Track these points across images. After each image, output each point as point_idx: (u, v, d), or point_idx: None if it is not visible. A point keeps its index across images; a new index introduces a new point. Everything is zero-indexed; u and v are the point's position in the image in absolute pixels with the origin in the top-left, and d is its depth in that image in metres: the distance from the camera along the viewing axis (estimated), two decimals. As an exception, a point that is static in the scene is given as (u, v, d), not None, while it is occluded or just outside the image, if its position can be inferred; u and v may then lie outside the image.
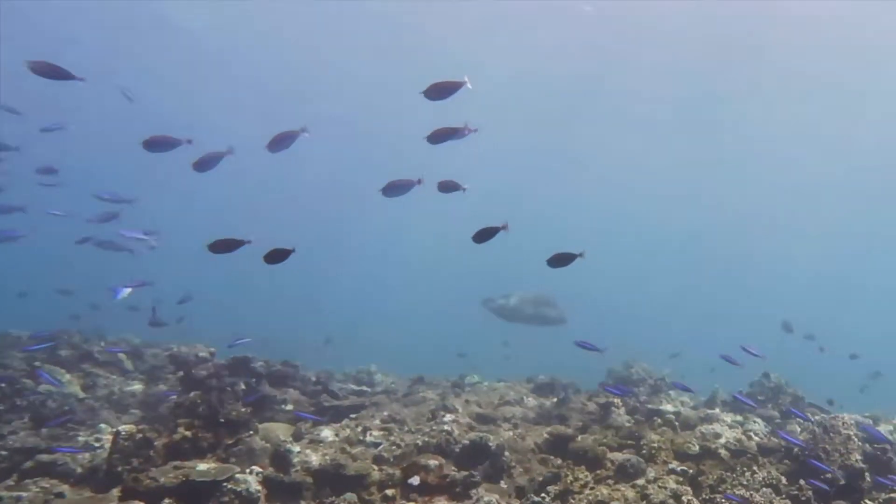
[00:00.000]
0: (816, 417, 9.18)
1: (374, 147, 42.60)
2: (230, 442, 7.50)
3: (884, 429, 9.98)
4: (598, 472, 7.91)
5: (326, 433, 8.36)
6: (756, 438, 9.11)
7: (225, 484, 6.55)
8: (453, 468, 7.59)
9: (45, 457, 7.02)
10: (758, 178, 47.16)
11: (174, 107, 37.05)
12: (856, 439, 8.16)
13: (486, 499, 7.12)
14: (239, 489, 6.56)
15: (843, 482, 7.77)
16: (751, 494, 7.37)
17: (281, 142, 7.21)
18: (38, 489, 6.49)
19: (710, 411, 10.54)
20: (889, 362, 18.44)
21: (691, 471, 8.01)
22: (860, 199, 45.72)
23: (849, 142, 41.13)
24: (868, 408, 11.37)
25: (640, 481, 7.70)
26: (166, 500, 6.23)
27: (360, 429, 8.53)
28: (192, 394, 7.87)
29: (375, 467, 7.54)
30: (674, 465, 8.12)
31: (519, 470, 7.96)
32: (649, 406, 10.19)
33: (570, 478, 7.55)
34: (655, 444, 8.36)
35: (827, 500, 7.60)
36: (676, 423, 9.53)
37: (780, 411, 10.57)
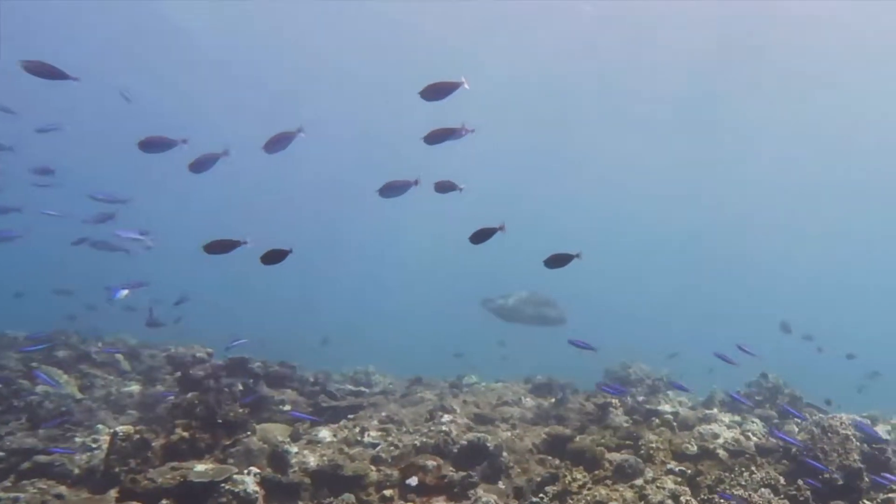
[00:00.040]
0: (814, 417, 9.17)
1: (372, 147, 42.61)
2: (228, 443, 7.49)
3: (881, 429, 9.98)
4: (597, 472, 7.90)
5: (324, 434, 8.35)
6: (754, 439, 9.10)
7: (223, 485, 6.54)
8: (451, 469, 7.58)
9: (42, 458, 7.01)
10: (757, 178, 47.17)
11: (172, 106, 37.03)
12: (854, 439, 8.15)
13: (484, 499, 7.12)
14: (237, 490, 6.55)
15: (841, 482, 7.76)
16: (749, 495, 7.36)
17: (277, 143, 7.19)
18: (35, 490, 6.48)
19: (708, 411, 10.54)
20: (888, 362, 18.42)
21: (689, 471, 8.00)
22: (860, 199, 45.73)
23: (849, 142, 41.13)
24: (866, 408, 11.36)
25: (639, 482, 7.70)
26: (164, 501, 6.22)
27: (357, 429, 8.52)
28: (189, 394, 7.86)
29: (373, 468, 7.53)
30: (672, 465, 8.11)
31: (517, 470, 7.95)
32: (647, 406, 10.19)
33: (569, 478, 7.54)
34: (654, 445, 8.35)
35: (825, 500, 7.60)
36: (675, 424, 9.52)
37: (777, 411, 10.56)
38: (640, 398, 10.76)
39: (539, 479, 7.68)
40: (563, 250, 6.76)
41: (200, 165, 7.39)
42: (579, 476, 7.60)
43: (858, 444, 8.19)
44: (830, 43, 34.11)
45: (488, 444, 7.89)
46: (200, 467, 6.72)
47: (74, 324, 13.00)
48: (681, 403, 10.84)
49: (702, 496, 7.46)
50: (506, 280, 19.17)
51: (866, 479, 7.89)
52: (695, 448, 8.48)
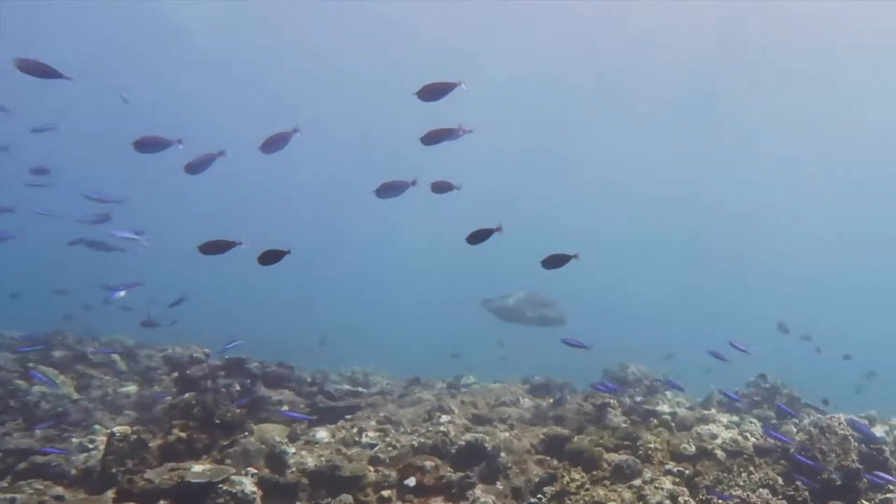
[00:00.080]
0: (812, 417, 9.16)
1: (371, 147, 42.61)
2: (225, 443, 7.48)
3: (879, 429, 9.96)
4: (595, 472, 7.89)
5: (322, 434, 8.34)
6: (753, 439, 9.09)
7: (220, 485, 6.53)
8: (449, 469, 7.57)
9: (38, 458, 7.01)
10: (757, 177, 47.19)
11: (171, 106, 37.01)
12: (852, 440, 8.14)
13: (482, 500, 7.12)
14: (234, 490, 6.54)
15: (839, 482, 7.76)
16: (747, 495, 7.35)
17: (274, 143, 7.18)
18: (31, 491, 6.47)
19: (706, 412, 10.52)
20: (888, 362, 18.41)
21: (688, 471, 8.00)
22: (860, 200, 45.73)
23: (849, 142, 41.14)
24: (864, 408, 11.35)
25: (637, 482, 7.69)
26: (161, 502, 6.22)
27: (355, 430, 8.50)
28: (187, 395, 7.86)
29: (371, 468, 7.52)
30: (670, 465, 8.10)
31: (515, 471, 7.94)
32: (645, 407, 10.18)
33: (567, 479, 7.54)
34: (652, 445, 8.34)
35: (823, 500, 7.59)
36: (673, 424, 9.51)
37: (775, 411, 10.55)
38: (639, 398, 10.75)
39: (537, 479, 7.67)
40: (561, 250, 6.76)
41: (196, 166, 7.37)
42: (577, 476, 7.60)
43: (857, 444, 8.17)
44: (830, 43, 34.13)
45: (486, 445, 7.88)
46: (198, 468, 6.71)
47: (72, 324, 12.99)
48: (679, 404, 10.83)
49: (700, 497, 7.45)
50: (505, 280, 19.19)
51: (864, 479, 7.89)
52: (693, 448, 8.47)
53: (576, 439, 8.52)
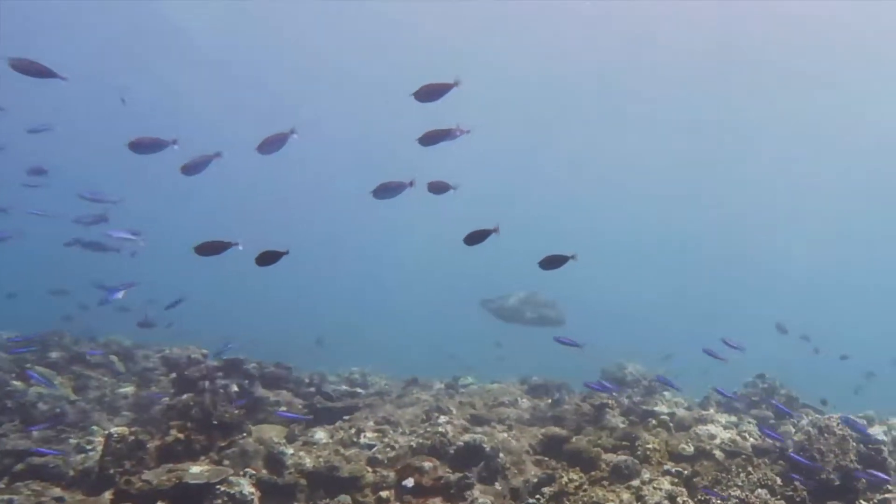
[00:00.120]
0: (811, 417, 9.16)
1: (370, 148, 42.61)
2: (223, 444, 7.48)
3: (878, 429, 9.95)
4: (593, 473, 7.88)
5: (320, 435, 8.33)
6: (751, 439, 9.09)
7: (218, 486, 6.53)
8: (448, 470, 7.57)
9: (36, 459, 7.00)
10: (757, 177, 47.19)
11: (170, 106, 37.02)
12: (851, 440, 8.13)
13: (480, 500, 7.11)
14: (232, 491, 6.53)
15: (837, 482, 7.76)
16: (746, 495, 7.35)
17: (271, 144, 7.18)
18: (29, 492, 6.46)
19: (704, 412, 10.51)
20: (886, 363, 18.41)
21: (686, 472, 7.99)
22: (859, 199, 45.71)
23: (849, 142, 41.13)
24: (862, 409, 11.34)
25: (636, 482, 7.68)
26: (159, 503, 6.21)
27: (353, 430, 8.49)
28: (184, 396, 7.85)
29: (369, 469, 7.52)
30: (669, 466, 8.09)
31: (514, 471, 7.94)
32: (644, 407, 10.17)
33: (565, 479, 7.53)
34: (650, 446, 8.34)
35: (822, 500, 7.59)
36: (671, 425, 9.51)
37: (773, 411, 10.54)
38: (637, 399, 10.74)
39: (536, 480, 7.67)
40: (560, 251, 6.76)
41: (193, 168, 7.37)
42: (576, 477, 7.59)
43: (855, 444, 8.17)
44: (830, 43, 34.14)
45: (485, 446, 7.87)
46: (196, 469, 6.70)
47: (70, 324, 12.98)
48: (677, 404, 10.81)
49: (699, 497, 7.44)
50: (504, 281, 19.19)
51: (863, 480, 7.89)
52: (691, 449, 8.47)
53: (574, 440, 8.52)
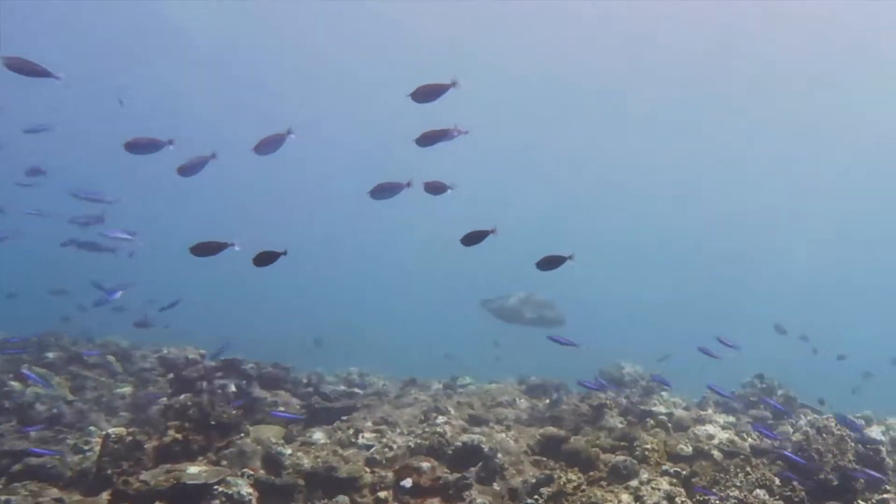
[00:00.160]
0: (808, 417, 9.16)
1: (370, 148, 42.58)
2: (221, 444, 7.47)
3: (876, 430, 9.95)
4: (592, 473, 7.88)
5: (318, 435, 8.33)
6: (749, 439, 9.09)
7: (216, 487, 6.52)
8: (446, 470, 7.56)
9: (33, 460, 6.99)
10: (757, 177, 47.19)
11: (170, 106, 37.02)
12: (849, 440, 8.13)
13: (479, 501, 7.10)
14: (230, 492, 6.52)
15: (836, 482, 7.76)
16: (744, 495, 7.34)
17: (268, 145, 7.18)
18: (26, 492, 6.46)
19: (702, 412, 10.52)
20: (885, 363, 18.41)
21: (685, 472, 7.99)
22: (859, 200, 45.71)
23: (849, 142, 41.11)
24: (860, 409, 11.34)
25: (634, 483, 7.68)
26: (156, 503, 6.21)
27: (351, 431, 8.49)
28: (182, 396, 7.85)
29: (368, 469, 7.51)
30: (667, 466, 8.09)
31: (512, 472, 7.94)
32: (642, 407, 10.17)
33: (564, 480, 7.51)
34: (648, 446, 8.34)
35: (820, 501, 7.59)
36: (669, 425, 9.51)
37: (771, 411, 10.54)
38: (635, 399, 10.75)
39: (534, 480, 7.65)
40: (560, 251, 6.76)
41: (189, 169, 7.37)
42: (574, 477, 7.57)
43: (853, 444, 8.17)
44: (830, 43, 34.14)
45: (483, 446, 7.87)
46: (193, 469, 6.69)
47: (68, 325, 12.97)
48: (675, 405, 10.82)
49: (697, 497, 7.44)
50: (503, 281, 19.19)
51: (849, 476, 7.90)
52: (690, 449, 8.47)
53: (572, 440, 8.52)
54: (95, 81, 29.10)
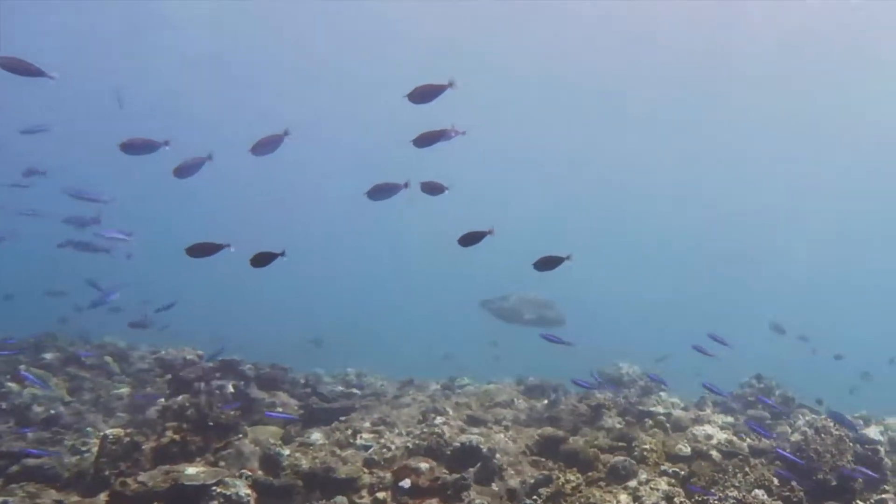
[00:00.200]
0: (807, 418, 9.16)
1: (369, 148, 42.55)
2: (219, 445, 7.47)
3: (874, 430, 9.95)
4: (590, 474, 7.88)
5: (316, 436, 8.33)
6: (748, 440, 9.09)
7: (214, 488, 6.51)
8: (444, 471, 7.54)
9: (31, 461, 6.98)
10: (757, 178, 47.18)
11: (170, 107, 37.00)
12: (847, 440, 8.13)
13: (477, 502, 7.09)
14: (228, 493, 6.52)
15: (835, 483, 7.76)
16: (743, 496, 7.33)
17: (265, 146, 7.16)
18: (23, 494, 6.45)
19: (701, 412, 10.52)
20: (884, 363, 18.39)
21: (683, 472, 7.98)
22: (859, 199, 45.69)
23: (849, 142, 41.09)
24: (858, 409, 11.34)
25: (632, 483, 7.68)
26: (154, 504, 6.20)
27: (350, 431, 8.49)
28: (180, 397, 7.84)
29: (366, 470, 7.51)
30: (665, 466, 8.09)
31: (510, 472, 7.94)
32: (640, 408, 10.17)
33: (562, 480, 7.51)
34: (647, 446, 8.34)
35: (819, 501, 7.59)
36: (668, 425, 9.51)
37: (769, 412, 10.54)
38: (633, 399, 10.74)
39: (532, 481, 7.65)
40: (559, 251, 6.75)
41: (185, 171, 7.36)
42: (573, 478, 7.57)
43: (852, 444, 8.17)
44: (830, 43, 34.12)
45: (481, 446, 7.86)
46: (191, 470, 6.69)
47: (65, 326, 12.97)
48: (674, 405, 10.81)
49: (696, 497, 7.43)
50: (503, 281, 19.19)
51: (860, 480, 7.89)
52: (688, 449, 8.47)
53: (571, 440, 8.52)
54: (94, 81, 29.09)
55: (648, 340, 22.76)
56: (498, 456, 7.95)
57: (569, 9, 34.79)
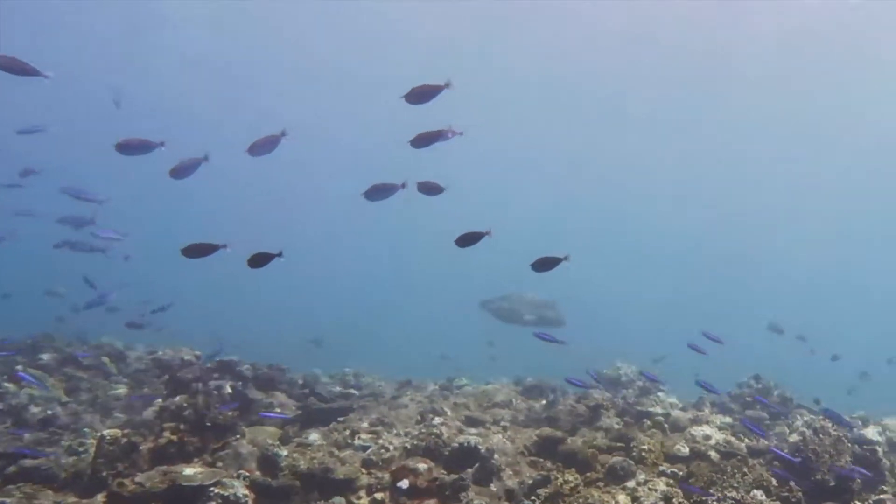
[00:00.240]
0: (805, 418, 9.15)
1: (369, 148, 42.54)
2: (217, 446, 7.46)
3: (872, 430, 9.95)
4: (589, 474, 7.87)
5: (314, 436, 8.32)
6: (746, 440, 9.08)
7: (212, 488, 6.50)
8: (442, 471, 7.54)
9: (28, 462, 6.97)
10: (757, 178, 47.17)
11: (169, 107, 37.00)
12: (845, 440, 8.12)
13: (475, 502, 7.08)
14: (226, 493, 6.51)
15: (833, 483, 7.75)
16: (741, 496, 7.33)
17: (262, 146, 7.15)
18: (21, 495, 6.44)
19: (699, 413, 10.51)
20: (882, 363, 18.39)
21: (682, 473, 7.97)
22: (859, 200, 45.68)
23: (849, 142, 41.07)
24: (857, 409, 11.33)
25: (631, 483, 7.67)
26: (151, 505, 6.19)
27: (348, 432, 8.48)
28: (177, 397, 7.83)
29: (364, 471, 7.51)
30: (664, 467, 8.08)
31: (508, 473, 7.92)
32: (638, 408, 10.16)
33: (560, 480, 7.51)
34: (645, 447, 8.33)
35: (817, 501, 7.58)
36: (666, 425, 9.50)
37: (768, 412, 10.53)
38: (632, 399, 10.74)
39: (531, 481, 7.64)
40: (558, 251, 6.74)
41: (181, 171, 7.34)
42: (571, 478, 7.56)
43: (850, 445, 8.16)
44: (830, 43, 34.11)
45: (480, 447, 7.85)
46: (189, 471, 6.67)
47: (63, 326, 12.95)
48: (672, 405, 10.80)
49: (694, 498, 7.42)
50: (502, 281, 19.19)
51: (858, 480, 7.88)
52: (686, 450, 8.46)
53: (569, 441, 8.51)
54: (93, 81, 29.06)
55: (648, 340, 22.75)
56: (496, 456, 7.94)
57: (569, 9, 34.78)
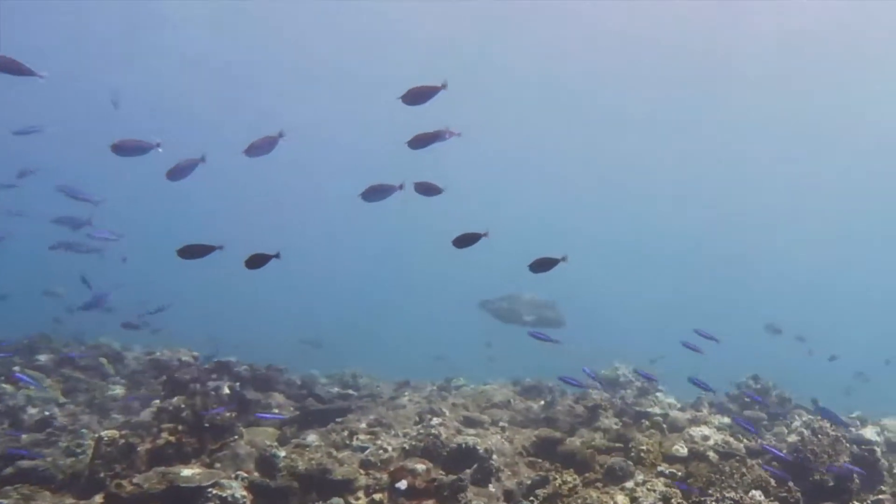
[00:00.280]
0: (804, 418, 9.14)
1: (369, 148, 42.52)
2: (215, 447, 7.44)
3: (870, 430, 9.95)
4: (587, 475, 7.87)
5: (312, 437, 8.31)
6: (745, 441, 9.07)
7: (210, 489, 6.49)
8: (441, 472, 7.53)
9: (25, 463, 6.96)
10: (757, 178, 47.17)
11: (169, 107, 36.99)
12: (844, 441, 8.11)
13: (474, 503, 7.07)
14: (224, 494, 6.50)
15: (832, 483, 7.74)
16: (740, 496, 7.32)
17: (259, 147, 7.14)
18: (18, 496, 6.43)
19: (697, 413, 10.50)
20: (881, 364, 18.38)
21: (680, 473, 7.97)
22: (859, 200, 45.69)
23: (849, 142, 41.08)
24: (855, 410, 11.33)
25: (629, 484, 7.67)
26: (149, 506, 6.18)
27: (346, 433, 8.48)
28: (175, 398, 7.82)
29: (362, 471, 7.49)
30: (663, 467, 8.08)
31: (507, 473, 7.92)
32: (637, 408, 10.16)
33: (559, 481, 7.50)
34: (644, 447, 8.32)
35: (816, 501, 7.57)
36: (664, 426, 9.49)
37: (766, 412, 10.53)
38: (630, 400, 10.73)
39: (529, 482, 7.63)
40: (557, 252, 6.73)
41: (178, 172, 7.33)
42: (569, 479, 7.56)
43: (848, 445, 8.15)
44: (830, 43, 34.12)
45: (478, 447, 7.84)
46: (187, 472, 6.67)
47: (60, 327, 12.94)
48: (670, 405, 10.80)
49: (693, 498, 7.41)
50: (502, 281, 19.19)
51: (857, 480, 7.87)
52: (685, 450, 8.45)
53: (568, 441, 8.50)
54: (93, 81, 29.06)
55: (648, 341, 22.73)
56: (494, 457, 7.93)
57: (568, 9, 34.79)
